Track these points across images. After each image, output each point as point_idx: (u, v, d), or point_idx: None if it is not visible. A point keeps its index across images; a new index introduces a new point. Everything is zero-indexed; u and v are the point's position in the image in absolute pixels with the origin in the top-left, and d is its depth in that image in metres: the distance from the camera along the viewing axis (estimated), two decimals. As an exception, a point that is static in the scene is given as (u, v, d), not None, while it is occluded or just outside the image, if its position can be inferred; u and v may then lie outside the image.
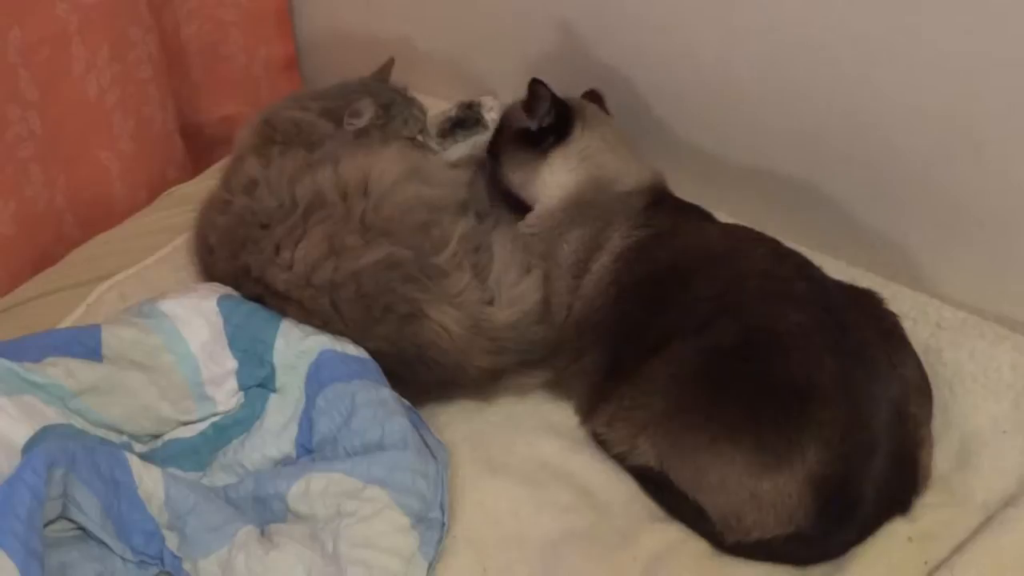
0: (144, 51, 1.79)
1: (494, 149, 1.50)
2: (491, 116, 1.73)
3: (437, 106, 1.75)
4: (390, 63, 1.73)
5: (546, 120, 1.42)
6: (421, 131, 1.63)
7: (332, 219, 1.34)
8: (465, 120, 1.76)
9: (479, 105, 1.76)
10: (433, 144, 1.66)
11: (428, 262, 1.33)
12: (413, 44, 1.93)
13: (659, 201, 1.41)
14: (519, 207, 1.46)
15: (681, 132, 1.66)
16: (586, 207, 1.40)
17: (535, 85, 1.40)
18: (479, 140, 1.67)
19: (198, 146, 2.02)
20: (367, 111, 1.54)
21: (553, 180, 1.43)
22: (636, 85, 1.66)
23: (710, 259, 1.29)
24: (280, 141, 1.49)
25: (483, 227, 1.42)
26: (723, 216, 1.46)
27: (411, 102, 1.64)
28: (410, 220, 1.36)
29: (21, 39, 1.59)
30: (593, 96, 1.57)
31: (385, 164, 1.40)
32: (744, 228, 1.38)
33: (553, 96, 1.40)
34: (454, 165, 1.61)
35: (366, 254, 1.31)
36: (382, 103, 1.57)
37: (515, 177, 1.45)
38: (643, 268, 1.32)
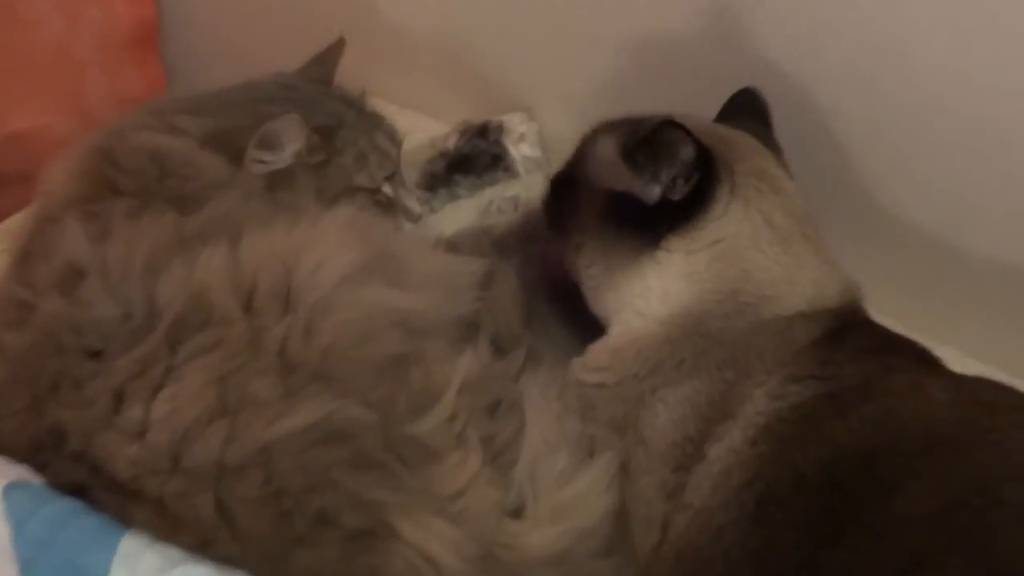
0: None
1: (559, 219, 1.55)
2: (522, 152, 1.77)
3: (423, 131, 1.78)
4: (337, 48, 1.76)
5: (681, 190, 1.46)
6: (391, 178, 1.66)
7: (224, 347, 1.36)
8: (473, 159, 1.79)
9: (500, 131, 1.78)
10: (414, 203, 1.68)
11: (402, 433, 1.35)
12: (384, 15, 1.95)
13: (841, 332, 1.43)
14: (588, 325, 1.51)
15: (891, 200, 1.70)
16: (707, 340, 1.43)
17: (666, 131, 1.43)
18: (500, 197, 1.71)
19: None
20: (292, 138, 1.59)
21: (659, 287, 1.47)
22: (810, 108, 1.71)
23: (930, 444, 1.29)
24: (128, 191, 1.53)
25: (505, 366, 1.47)
26: (954, 359, 1.47)
27: (374, 123, 1.68)
28: (369, 354, 1.38)
29: None
30: (747, 102, 1.64)
31: (326, 246, 1.43)
32: (995, 386, 1.39)
33: (699, 146, 1.43)
34: (452, 245, 1.63)
35: (286, 415, 1.32)
36: (320, 124, 1.62)
37: (594, 277, 1.50)
38: (807, 456, 1.32)
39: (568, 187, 1.55)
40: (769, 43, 1.76)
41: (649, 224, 1.47)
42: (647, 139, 1.46)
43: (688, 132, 1.43)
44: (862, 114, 1.71)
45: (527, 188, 1.76)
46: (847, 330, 1.44)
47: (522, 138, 1.80)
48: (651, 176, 1.46)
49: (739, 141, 1.56)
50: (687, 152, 1.44)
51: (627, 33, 1.80)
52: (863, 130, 1.74)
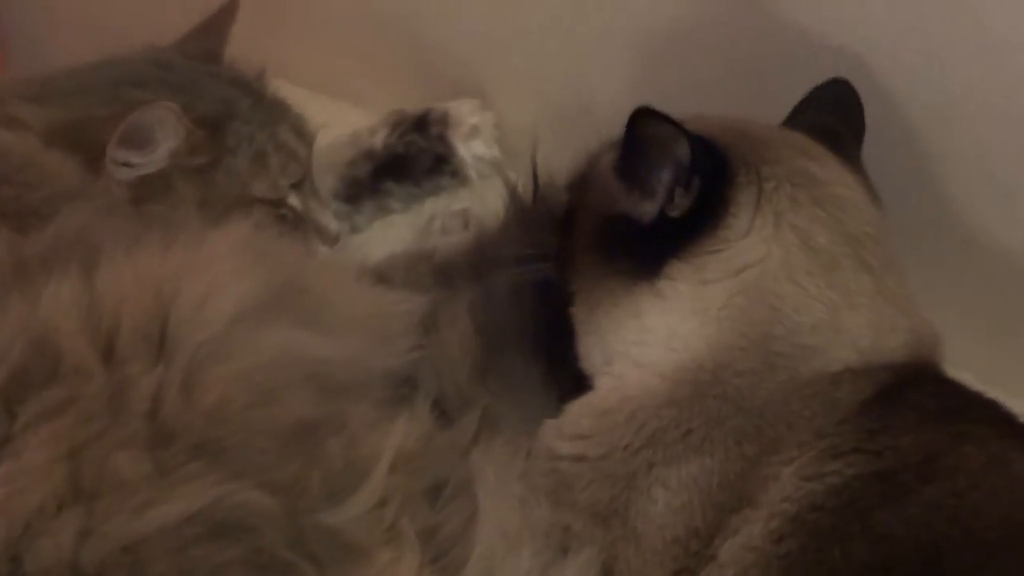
0: None
1: (561, 266, 1.56)
2: (474, 151, 1.77)
3: (342, 124, 1.78)
4: (227, 15, 1.76)
5: (681, 203, 1.43)
6: (299, 185, 1.63)
7: (77, 409, 1.30)
8: (409, 160, 1.78)
9: (444, 123, 1.78)
10: (330, 220, 1.67)
11: (315, 524, 1.30)
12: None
13: (898, 392, 1.41)
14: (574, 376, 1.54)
15: (970, 215, 1.74)
16: (724, 406, 1.41)
17: (643, 122, 1.42)
18: (446, 211, 1.72)
19: None
20: (167, 133, 1.59)
21: (662, 327, 1.46)
22: (862, 92, 1.69)
23: (1013, 536, 1.27)
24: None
25: (452, 437, 1.45)
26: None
27: (276, 114, 1.66)
28: (272, 418, 1.34)
29: None
30: (828, 99, 1.65)
31: (213, 273, 1.41)
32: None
33: (695, 140, 1.41)
34: (381, 274, 1.65)
35: (160, 501, 1.26)
36: (205, 115, 1.62)
37: (582, 323, 1.51)
38: (849, 556, 1.28)
39: (569, 227, 1.56)
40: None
41: (646, 249, 1.46)
42: (626, 138, 1.45)
43: (672, 121, 1.41)
44: (932, 102, 1.71)
45: (481, 199, 1.77)
46: (907, 388, 1.41)
47: (474, 132, 1.81)
48: (643, 188, 1.46)
49: (774, 138, 1.53)
50: (678, 148, 1.42)
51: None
52: (931, 124, 1.72)
